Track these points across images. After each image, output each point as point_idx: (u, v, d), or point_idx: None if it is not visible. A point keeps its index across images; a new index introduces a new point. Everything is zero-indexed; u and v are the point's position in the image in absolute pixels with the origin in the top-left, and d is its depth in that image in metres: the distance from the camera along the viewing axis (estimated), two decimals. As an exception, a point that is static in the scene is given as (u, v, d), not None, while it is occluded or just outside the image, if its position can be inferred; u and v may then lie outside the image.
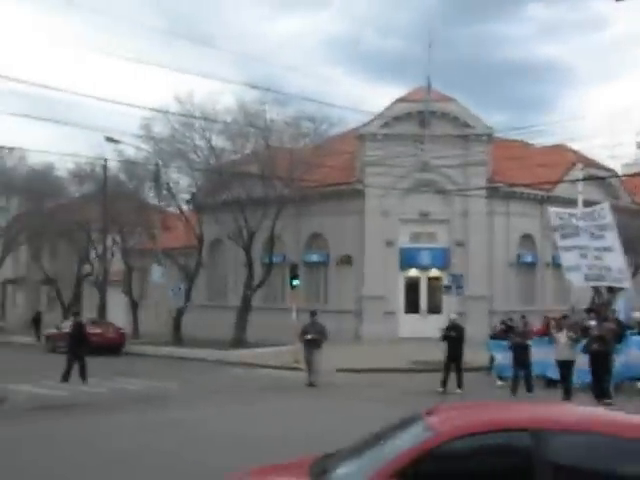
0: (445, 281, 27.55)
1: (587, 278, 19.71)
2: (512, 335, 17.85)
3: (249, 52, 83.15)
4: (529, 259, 33.42)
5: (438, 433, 4.58)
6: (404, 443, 4.69)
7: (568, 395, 15.46)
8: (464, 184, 30.63)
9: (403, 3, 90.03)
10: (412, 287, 31.88)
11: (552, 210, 21.42)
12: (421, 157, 31.13)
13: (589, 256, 19.28)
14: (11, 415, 13.78)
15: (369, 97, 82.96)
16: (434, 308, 30.75)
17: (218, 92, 32.35)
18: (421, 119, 31.63)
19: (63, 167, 40.62)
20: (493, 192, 31.12)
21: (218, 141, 31.10)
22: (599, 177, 33.84)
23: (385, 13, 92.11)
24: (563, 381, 16.01)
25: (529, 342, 17.15)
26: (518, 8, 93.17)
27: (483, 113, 33.58)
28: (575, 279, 20.20)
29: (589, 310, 21.82)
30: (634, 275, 29.83)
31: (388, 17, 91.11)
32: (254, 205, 29.98)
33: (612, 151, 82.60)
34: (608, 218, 19.13)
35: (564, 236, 20.22)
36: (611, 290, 21.90)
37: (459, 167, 31.14)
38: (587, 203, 26.84)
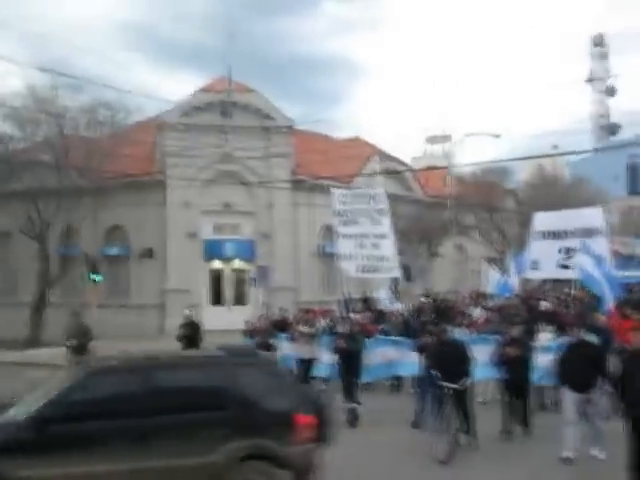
0: (251, 273, 27.55)
1: (362, 269, 19.01)
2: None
3: (38, 34, 78.36)
4: (332, 249, 34.20)
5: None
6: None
7: None
8: (267, 176, 30.78)
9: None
10: (217, 279, 31.59)
11: (335, 192, 20.11)
12: (224, 148, 30.85)
13: (367, 244, 18.75)
14: None
15: (168, 86, 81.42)
16: (240, 300, 30.67)
17: (2, 73, 30.07)
18: (222, 109, 31.32)
19: None
20: (297, 184, 31.55)
21: (5, 127, 28.95)
22: (397, 171, 35.41)
23: (181, 0, 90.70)
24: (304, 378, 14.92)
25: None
26: (313, 4, 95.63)
27: (281, 105, 33.94)
28: (349, 269, 19.29)
29: (364, 300, 21.99)
30: (428, 265, 31.75)
31: (184, 4, 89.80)
32: (48, 196, 28.18)
33: (402, 144, 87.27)
34: (384, 203, 18.88)
35: (346, 222, 19.21)
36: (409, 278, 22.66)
37: (262, 159, 31.23)
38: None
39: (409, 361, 14.36)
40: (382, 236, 18.61)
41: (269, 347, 15.46)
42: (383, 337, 16.08)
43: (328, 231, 34.10)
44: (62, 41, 78.74)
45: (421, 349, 13.02)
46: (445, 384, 10.60)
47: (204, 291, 31.32)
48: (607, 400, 10.83)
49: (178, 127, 30.84)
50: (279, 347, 15.81)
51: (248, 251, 31.48)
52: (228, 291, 31.58)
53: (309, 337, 15.41)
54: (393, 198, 32.25)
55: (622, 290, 17.16)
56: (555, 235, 18.70)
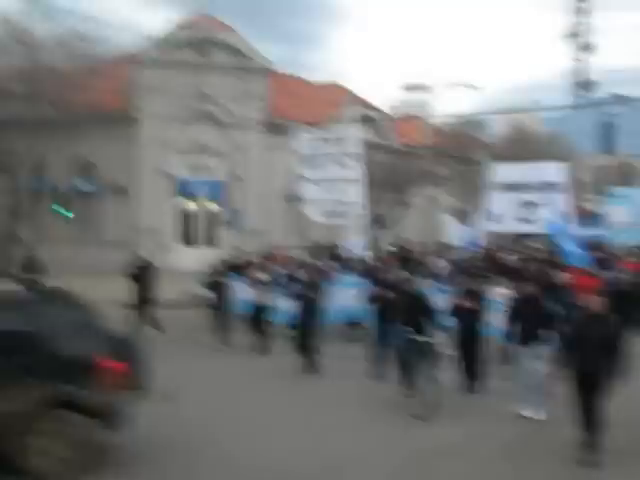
0: (224, 215, 27.45)
1: (328, 214, 18.75)
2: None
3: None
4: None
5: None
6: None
7: (265, 339, 14.68)
8: (242, 117, 30.43)
9: None
10: (188, 219, 31.46)
11: (303, 135, 19.53)
12: (200, 87, 30.37)
13: (333, 190, 18.40)
14: None
15: (147, 20, 79.59)
16: (211, 241, 30.62)
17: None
18: (201, 47, 30.73)
19: None
20: (272, 127, 31.23)
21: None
22: (374, 119, 35.17)
23: None
24: (254, 326, 15.07)
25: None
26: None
27: (259, 46, 33.46)
28: (314, 214, 19.13)
29: (332, 247, 21.22)
30: (401, 214, 31.86)
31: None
32: (18, 127, 27.60)
33: (379, 92, 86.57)
34: (357, 147, 18.39)
35: (311, 166, 18.80)
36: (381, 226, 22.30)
37: (238, 100, 30.81)
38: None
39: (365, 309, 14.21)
40: (351, 181, 18.06)
41: (219, 286, 15.58)
42: (344, 280, 15.99)
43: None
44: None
45: (373, 299, 12.98)
46: (419, 338, 10.34)
47: (175, 230, 31.20)
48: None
49: (154, 63, 30.21)
50: (233, 288, 15.78)
51: (220, 193, 31.29)
52: (199, 232, 31.48)
53: (264, 283, 15.14)
54: (369, 146, 32.29)
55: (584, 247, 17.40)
56: (516, 188, 18.46)
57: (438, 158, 36.47)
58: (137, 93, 30.38)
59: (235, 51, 31.51)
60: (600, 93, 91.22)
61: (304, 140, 19.08)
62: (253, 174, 31.25)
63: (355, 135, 18.82)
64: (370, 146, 32.51)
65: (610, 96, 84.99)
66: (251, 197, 30.98)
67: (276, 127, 31.46)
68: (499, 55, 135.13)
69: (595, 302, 8.43)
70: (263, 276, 15.32)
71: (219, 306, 15.51)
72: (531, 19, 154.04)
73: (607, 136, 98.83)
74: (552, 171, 18.37)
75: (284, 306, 14.60)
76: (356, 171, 18.09)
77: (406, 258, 19.82)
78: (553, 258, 18.17)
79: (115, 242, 30.05)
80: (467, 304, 11.53)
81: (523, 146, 37.32)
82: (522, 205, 18.11)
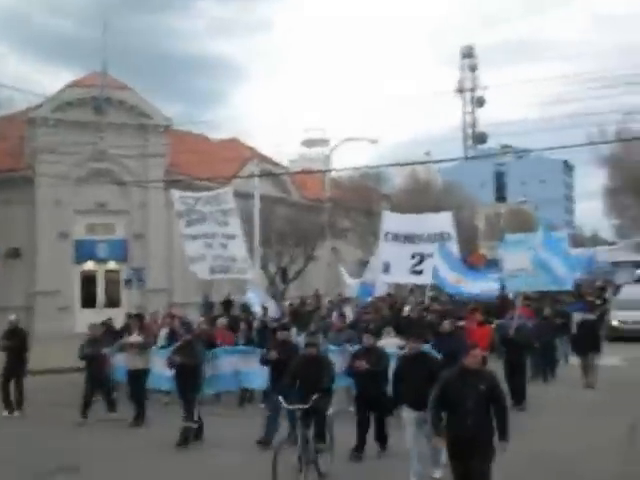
0: (125, 274, 26.90)
1: (213, 270, 18.08)
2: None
3: None
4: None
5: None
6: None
7: (140, 414, 13.29)
8: (142, 175, 30.16)
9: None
10: (89, 280, 30.64)
11: (175, 194, 19.06)
12: (97, 146, 29.98)
13: (215, 245, 17.85)
14: None
15: (40, 79, 78.21)
16: (112, 302, 29.88)
17: None
18: (96, 106, 30.40)
19: None
20: (172, 184, 31.01)
21: None
22: (275, 173, 35.52)
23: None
24: (133, 396, 13.63)
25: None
26: (189, 3, 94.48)
27: (158, 104, 33.34)
28: (200, 271, 18.30)
29: (226, 302, 21.11)
30: (304, 268, 32.02)
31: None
32: None
33: (279, 148, 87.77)
34: (231, 203, 17.91)
35: (189, 223, 18.17)
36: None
37: (137, 158, 30.58)
38: (262, 198, 28.11)
39: (258, 372, 13.39)
40: (230, 236, 17.75)
41: (96, 359, 13.78)
42: (231, 347, 15.08)
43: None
44: None
45: (264, 361, 12.06)
46: (292, 407, 9.38)
47: (75, 293, 30.31)
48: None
49: (49, 122, 29.67)
50: (108, 357, 14.29)
51: (121, 251, 30.73)
52: (100, 293, 30.69)
53: (140, 347, 13.66)
54: (270, 200, 32.55)
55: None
56: (407, 239, 18.45)
57: (339, 210, 37.07)
58: (32, 153, 29.70)
59: (132, 108, 31.36)
60: (491, 144, 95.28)
61: (176, 198, 18.62)
62: (153, 231, 30.86)
63: (228, 190, 18.41)
64: (272, 200, 32.84)
65: (499, 147, 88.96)
66: (152, 254, 30.53)
67: (176, 184, 31.26)
68: (395, 109, 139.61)
69: (474, 357, 7.49)
70: (137, 339, 13.79)
71: (92, 377, 13.79)
72: (427, 74, 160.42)
73: (499, 185, 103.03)
74: (441, 221, 18.63)
75: (161, 370, 13.50)
76: (234, 227, 17.80)
77: (299, 312, 19.69)
78: (449, 307, 18.51)
79: (10, 307, 28.92)
80: (361, 365, 10.50)
81: (420, 196, 38.37)
82: (414, 257, 18.12)
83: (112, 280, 30.53)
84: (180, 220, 18.40)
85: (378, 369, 10.46)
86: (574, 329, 18.11)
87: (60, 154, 28.67)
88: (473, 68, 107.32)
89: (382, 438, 10.68)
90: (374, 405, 10.51)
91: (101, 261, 30.84)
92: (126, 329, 15.20)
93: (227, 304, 20.93)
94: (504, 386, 13.49)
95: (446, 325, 13.44)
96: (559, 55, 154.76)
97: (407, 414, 9.28)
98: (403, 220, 19.48)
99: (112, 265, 30.92)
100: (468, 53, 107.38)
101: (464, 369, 7.47)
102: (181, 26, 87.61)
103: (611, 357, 19.09)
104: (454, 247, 17.85)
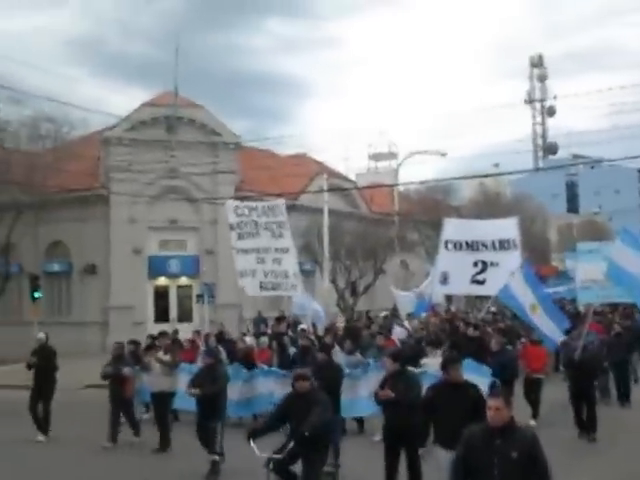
0: (196, 290, 27.29)
1: (263, 286, 17.24)
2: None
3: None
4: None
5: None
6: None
7: (165, 439, 12.47)
8: (213, 192, 30.61)
9: (146, 7, 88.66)
10: (161, 296, 31.23)
11: (230, 203, 18.30)
12: (169, 164, 30.62)
13: (267, 260, 16.99)
14: None
15: (115, 101, 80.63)
16: (185, 316, 30.37)
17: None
18: (168, 125, 31.10)
19: None
20: (242, 200, 31.37)
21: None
22: (344, 188, 35.59)
23: (129, 15, 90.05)
24: (157, 420, 12.85)
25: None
26: (259, 22, 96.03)
27: (228, 122, 33.93)
28: (249, 287, 17.56)
29: (279, 319, 20.43)
30: (373, 282, 31.91)
31: (132, 19, 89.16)
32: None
33: (346, 162, 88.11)
34: (284, 216, 16.89)
35: (241, 236, 17.36)
36: None
37: (208, 175, 31.08)
38: (331, 212, 28.16)
39: None
40: (283, 250, 16.90)
41: (118, 379, 13.07)
42: (268, 369, 14.42)
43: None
44: (5, 56, 77.35)
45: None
46: (265, 455, 7.94)
47: (149, 308, 30.93)
48: None
49: (123, 141, 30.53)
50: (132, 377, 13.38)
51: (193, 267, 31.20)
52: (173, 308, 31.24)
53: (166, 367, 12.80)
54: (339, 215, 32.62)
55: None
56: (469, 246, 16.80)
57: (408, 224, 36.86)
58: (106, 172, 30.54)
59: (203, 127, 31.95)
60: (562, 154, 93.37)
61: (230, 209, 17.71)
62: (224, 247, 31.17)
63: (281, 202, 17.37)
64: (340, 215, 32.92)
65: (571, 157, 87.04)
66: (222, 270, 30.86)
67: (246, 199, 31.64)
68: (464, 121, 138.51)
69: (494, 410, 5.77)
70: (164, 357, 12.98)
71: (114, 398, 13.20)
72: (496, 85, 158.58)
73: (571, 195, 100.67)
74: (504, 227, 17.00)
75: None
76: (287, 240, 16.88)
77: (350, 330, 18.56)
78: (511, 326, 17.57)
79: (86, 322, 29.71)
80: (383, 395, 8.90)
81: (490, 208, 37.84)
82: (473, 264, 16.52)
83: (184, 295, 31.05)
84: (232, 232, 17.55)
85: (406, 398, 8.64)
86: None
87: (134, 172, 29.44)
88: (542, 78, 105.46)
89: (415, 475, 8.91)
90: (404, 438, 8.80)
91: (173, 276, 31.41)
92: (149, 349, 14.39)
93: (280, 320, 20.47)
94: (568, 413, 12.93)
95: (495, 344, 12.48)
96: (628, 63, 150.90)
97: (443, 454, 7.50)
98: (465, 226, 17.93)
99: (184, 280, 31.45)
100: (537, 62, 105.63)
101: (490, 427, 5.77)
102: (249, 44, 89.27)
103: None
104: (518, 256, 16.16)
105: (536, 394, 13.96)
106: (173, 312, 31.11)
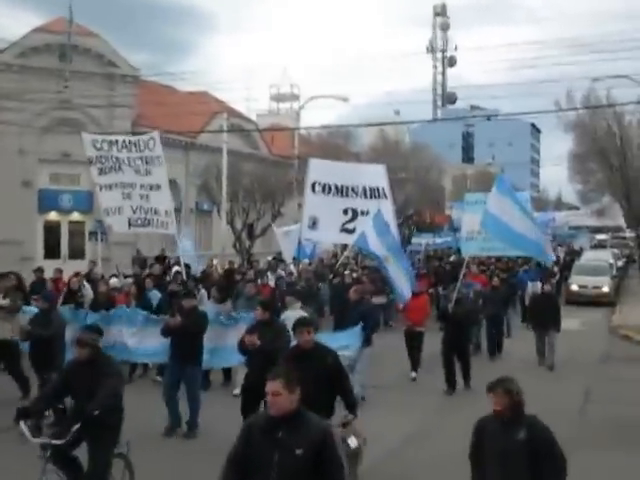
0: (89, 226, 26.59)
1: (131, 223, 16.08)
2: None
3: None
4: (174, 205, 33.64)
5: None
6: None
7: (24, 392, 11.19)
8: (108, 126, 29.59)
9: None
10: (52, 231, 30.26)
11: (87, 137, 16.56)
12: (63, 94, 29.31)
13: (134, 196, 15.74)
14: None
15: (3, 23, 76.00)
16: (76, 254, 29.56)
17: None
18: (62, 53, 29.60)
19: None
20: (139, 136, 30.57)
21: None
22: (244, 130, 35.13)
23: None
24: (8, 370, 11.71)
25: None
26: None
27: (126, 53, 32.66)
28: (117, 224, 16.47)
29: (159, 258, 20.01)
30: (271, 224, 31.93)
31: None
32: None
33: (248, 102, 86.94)
34: (157, 151, 15.54)
35: (103, 171, 15.86)
36: None
37: (103, 108, 30.00)
38: (231, 152, 27.83)
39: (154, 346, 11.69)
40: (152, 187, 15.76)
41: None
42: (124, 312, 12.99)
43: (172, 185, 33.45)
44: None
45: (165, 331, 10.26)
46: (40, 440, 6.48)
47: (38, 243, 29.94)
48: None
49: (12, 68, 28.93)
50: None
51: (86, 202, 30.24)
52: (64, 244, 30.36)
53: (7, 312, 11.47)
54: (238, 155, 32.29)
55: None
56: (338, 191, 16.06)
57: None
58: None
59: (99, 57, 30.71)
60: (460, 105, 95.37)
61: (88, 143, 16.13)
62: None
63: (154, 136, 15.73)
64: (240, 155, 32.60)
65: (469, 108, 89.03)
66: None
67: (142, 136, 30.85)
68: (367, 67, 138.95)
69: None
70: (2, 302, 11.57)
71: None
72: (400, 32, 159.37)
73: (467, 146, 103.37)
74: (374, 174, 16.28)
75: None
76: (158, 176, 15.71)
77: (226, 275, 18.21)
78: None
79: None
80: (250, 341, 8.55)
81: (389, 156, 38.35)
82: (343, 211, 15.81)
83: (76, 231, 30.19)
84: (92, 167, 16.13)
85: (272, 348, 8.15)
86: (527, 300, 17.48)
87: (24, 102, 28.01)
88: (445, 27, 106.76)
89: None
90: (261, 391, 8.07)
91: (65, 212, 30.45)
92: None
93: (159, 260, 19.88)
94: (439, 367, 12.76)
95: (352, 293, 11.91)
96: (529, 18, 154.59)
97: None
98: (332, 168, 17.06)
99: (76, 216, 30.54)
100: (441, 11, 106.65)
101: (271, 417, 4.63)
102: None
103: (571, 320, 19.33)
104: (390, 206, 15.70)
105: (418, 347, 13.63)
106: (64, 249, 30.24)
